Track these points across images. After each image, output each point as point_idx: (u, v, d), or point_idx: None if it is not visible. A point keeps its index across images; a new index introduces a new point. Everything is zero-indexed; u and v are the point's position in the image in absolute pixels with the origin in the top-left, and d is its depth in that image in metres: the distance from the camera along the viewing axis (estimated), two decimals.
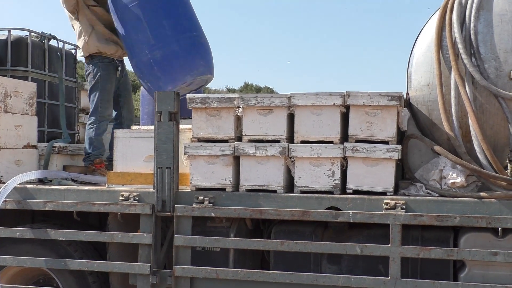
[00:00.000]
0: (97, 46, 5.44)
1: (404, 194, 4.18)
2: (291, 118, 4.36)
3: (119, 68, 5.56)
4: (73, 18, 5.48)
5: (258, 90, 39.91)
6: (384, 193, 4.13)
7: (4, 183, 4.80)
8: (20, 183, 4.75)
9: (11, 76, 5.48)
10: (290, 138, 4.36)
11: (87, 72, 5.57)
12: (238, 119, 4.45)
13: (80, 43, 5.52)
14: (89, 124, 5.51)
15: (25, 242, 4.74)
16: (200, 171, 4.44)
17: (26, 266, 4.75)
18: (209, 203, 4.34)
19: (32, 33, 5.79)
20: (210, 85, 7.39)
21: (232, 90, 37.76)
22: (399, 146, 4.15)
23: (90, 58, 5.52)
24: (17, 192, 4.73)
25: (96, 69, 5.49)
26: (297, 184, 4.30)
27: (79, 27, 5.45)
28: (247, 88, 40.59)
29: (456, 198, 4.00)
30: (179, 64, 5.08)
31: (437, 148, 4.25)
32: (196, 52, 5.20)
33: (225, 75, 79.79)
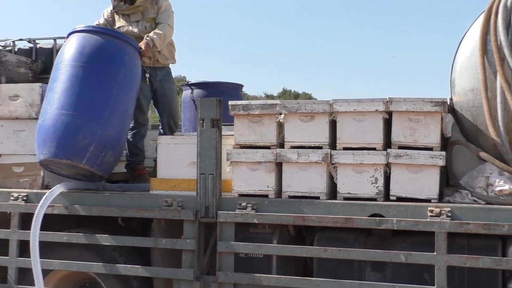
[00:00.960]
0: None
1: (449, 202, 4.13)
2: (333, 125, 4.35)
3: (147, 75, 5.62)
4: None
5: (296, 96, 39.92)
6: (428, 200, 4.09)
7: (51, 188, 4.89)
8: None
9: None
10: (332, 145, 4.35)
11: None
12: (280, 126, 4.46)
13: None
14: (128, 131, 5.59)
15: (71, 247, 4.82)
16: (242, 177, 4.46)
17: (73, 270, 4.83)
18: (252, 209, 4.36)
19: None
20: (248, 92, 7.45)
21: (271, 97, 37.87)
22: (443, 153, 4.10)
23: None
24: (64, 198, 4.82)
25: None
26: (339, 190, 4.28)
27: None
28: (285, 94, 40.61)
29: (503, 206, 3.92)
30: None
31: (483, 154, 4.18)
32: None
33: (263, 81, 79.98)
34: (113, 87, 4.83)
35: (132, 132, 5.56)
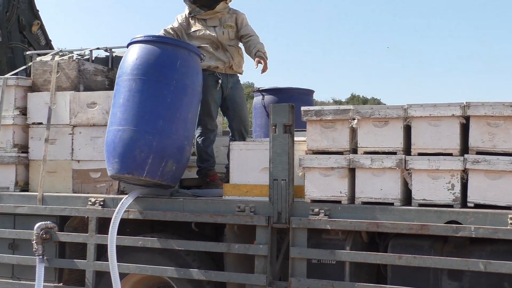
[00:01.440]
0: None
1: None
2: (407, 130, 4.28)
3: (220, 81, 5.66)
4: None
5: (364, 101, 39.53)
6: (508, 208, 3.96)
7: (127, 194, 5.01)
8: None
9: None
10: (407, 150, 4.28)
11: None
12: (353, 131, 4.43)
13: None
14: (197, 136, 5.67)
15: (145, 251, 4.92)
16: (315, 183, 4.44)
17: (148, 274, 4.92)
18: (325, 215, 4.34)
19: None
20: (316, 98, 7.41)
21: (339, 102, 37.63)
22: None
23: None
24: (138, 203, 4.93)
25: None
26: (414, 197, 4.21)
27: None
28: (354, 99, 40.26)
29: None
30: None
31: None
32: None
33: (331, 87, 79.63)
34: (166, 96, 4.78)
35: (201, 138, 5.63)
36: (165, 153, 4.76)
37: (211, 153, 5.68)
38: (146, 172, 4.74)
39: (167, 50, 4.88)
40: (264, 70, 5.52)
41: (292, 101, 4.70)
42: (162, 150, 4.75)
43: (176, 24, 5.72)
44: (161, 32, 5.59)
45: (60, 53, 5.89)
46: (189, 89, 4.92)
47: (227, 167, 5.56)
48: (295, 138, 4.58)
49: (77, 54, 5.97)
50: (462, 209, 4.04)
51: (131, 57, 4.88)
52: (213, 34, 5.61)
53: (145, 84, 4.78)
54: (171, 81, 4.80)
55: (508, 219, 3.85)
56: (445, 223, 4.03)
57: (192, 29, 5.69)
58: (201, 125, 5.62)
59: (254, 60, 5.60)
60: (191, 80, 4.93)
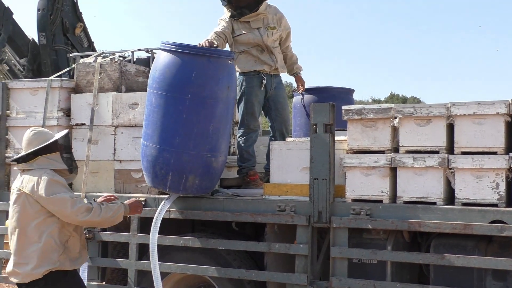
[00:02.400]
0: (242, 68, 5.64)
1: None
2: (450, 128, 4.23)
3: (264, 81, 5.67)
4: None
5: (404, 100, 39.11)
6: None
7: (167, 194, 5.06)
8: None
9: None
10: (450, 149, 4.23)
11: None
12: (394, 130, 4.39)
13: None
14: (239, 137, 5.68)
15: (186, 250, 4.96)
16: (356, 182, 4.42)
17: (189, 274, 4.96)
18: (366, 214, 4.31)
19: None
20: (355, 97, 7.34)
21: (377, 101, 37.29)
22: None
23: (238, 73, 5.68)
24: (180, 203, 4.97)
25: (241, 81, 5.65)
26: (457, 196, 4.15)
27: None
28: (393, 98, 39.86)
29: None
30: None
31: None
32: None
33: (370, 86, 79.00)
34: (181, 111, 4.62)
35: (244, 138, 5.64)
36: (185, 169, 4.69)
37: (252, 153, 5.69)
38: (168, 187, 4.79)
39: (183, 61, 4.65)
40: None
41: (332, 100, 4.69)
42: (181, 167, 4.68)
43: (222, 27, 5.62)
44: (211, 35, 5.48)
45: (103, 55, 5.98)
46: (209, 100, 4.66)
47: (266, 168, 5.57)
48: (336, 138, 4.56)
49: (119, 56, 6.05)
50: (507, 209, 3.98)
51: (154, 67, 4.79)
52: (259, 37, 5.61)
53: (162, 99, 4.66)
54: (186, 95, 4.61)
55: None
56: (489, 223, 3.97)
57: (237, 33, 5.64)
58: (244, 125, 5.63)
59: (294, 76, 6.04)
60: (210, 90, 4.67)
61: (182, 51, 4.66)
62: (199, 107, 4.64)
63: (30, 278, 3.94)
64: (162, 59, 4.72)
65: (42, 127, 5.54)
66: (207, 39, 5.26)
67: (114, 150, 5.44)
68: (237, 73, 5.59)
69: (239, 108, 5.68)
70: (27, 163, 4.08)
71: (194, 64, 4.63)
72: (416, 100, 38.37)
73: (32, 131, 4.17)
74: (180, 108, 4.62)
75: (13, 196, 4.06)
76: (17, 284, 4.08)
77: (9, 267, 4.04)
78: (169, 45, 4.70)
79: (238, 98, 5.67)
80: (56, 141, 4.15)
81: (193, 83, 4.61)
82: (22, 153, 4.13)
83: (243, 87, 5.63)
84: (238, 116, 6.70)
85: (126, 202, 4.32)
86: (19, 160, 4.12)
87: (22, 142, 4.18)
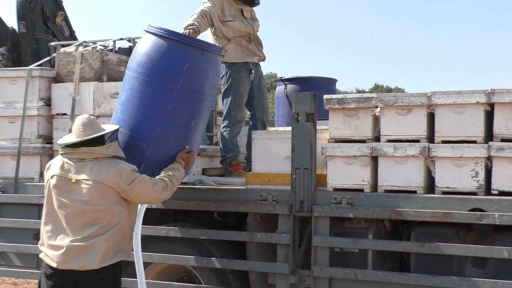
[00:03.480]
0: (232, 59, 5.58)
1: None
2: (431, 118, 4.25)
3: (253, 71, 5.66)
4: (211, 32, 5.62)
5: (388, 91, 39.24)
6: None
7: None
8: None
9: None
10: (430, 138, 4.25)
11: (221, 75, 5.63)
12: (376, 119, 4.40)
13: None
14: (223, 127, 5.66)
15: (169, 240, 4.95)
16: (337, 171, 4.43)
17: (171, 264, 4.95)
18: (347, 203, 4.33)
19: None
20: (339, 87, 7.37)
21: (362, 92, 37.36)
22: None
23: (224, 62, 5.59)
24: None
25: (229, 72, 5.61)
26: (438, 184, 4.18)
27: (214, 41, 5.56)
28: (377, 89, 40.02)
29: None
30: None
31: None
32: None
33: (354, 77, 79.22)
34: (167, 101, 4.34)
35: (229, 128, 5.62)
36: (159, 162, 4.37)
37: (236, 144, 5.69)
38: None
39: (176, 50, 4.37)
40: None
41: (315, 90, 4.70)
42: (156, 160, 4.38)
43: (208, 7, 5.40)
44: (194, 15, 5.27)
45: (84, 44, 5.93)
46: (196, 94, 4.43)
47: (247, 158, 5.57)
48: (318, 127, 4.57)
49: (101, 45, 6.01)
50: (486, 197, 4.01)
51: (140, 50, 4.44)
52: (250, 28, 5.58)
53: (147, 86, 4.36)
54: (175, 86, 4.33)
55: None
56: (469, 211, 4.00)
57: (228, 18, 5.53)
58: (230, 116, 5.62)
59: None
60: (200, 84, 4.44)
61: (176, 39, 4.40)
62: (186, 100, 4.39)
63: (100, 264, 3.81)
64: (152, 43, 4.40)
65: (22, 117, 5.51)
66: (190, 26, 5.13)
67: None
68: (223, 63, 5.54)
69: (226, 99, 5.66)
70: (97, 147, 3.90)
71: (188, 55, 4.37)
72: (400, 91, 38.49)
73: (88, 116, 4.05)
74: (166, 98, 4.34)
75: (82, 186, 3.84)
76: (76, 273, 3.81)
77: (72, 253, 3.79)
78: (162, 31, 4.39)
79: (225, 89, 5.66)
80: (118, 129, 4.14)
81: (185, 75, 4.35)
82: (89, 136, 3.90)
83: (231, 78, 5.60)
84: (220, 107, 6.72)
85: (178, 157, 4.33)
86: (92, 142, 3.89)
87: (73, 128, 3.99)
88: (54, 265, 3.81)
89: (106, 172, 3.86)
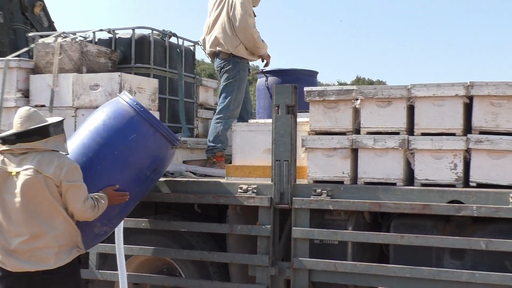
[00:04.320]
0: (243, 53, 5.72)
1: None
2: (410, 110, 4.27)
3: (250, 70, 5.77)
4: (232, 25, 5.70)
5: (370, 83, 39.46)
6: (510, 187, 3.97)
7: None
8: None
9: (135, 73, 5.69)
10: (410, 130, 4.28)
11: (225, 68, 5.73)
12: (356, 112, 4.42)
13: (228, 39, 5.69)
14: (217, 118, 5.68)
15: (149, 233, 4.93)
16: (317, 163, 4.44)
17: (151, 256, 4.94)
18: (327, 195, 4.34)
19: (154, 31, 6.00)
20: (321, 80, 7.42)
21: (344, 84, 37.53)
22: None
23: (231, 55, 5.71)
24: None
25: (237, 67, 5.72)
26: (417, 177, 4.21)
27: (232, 34, 5.67)
28: (359, 82, 40.22)
29: None
30: None
31: None
32: None
33: (336, 69, 79.39)
34: (98, 161, 4.11)
35: (224, 121, 5.68)
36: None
37: (227, 137, 5.73)
38: None
39: (131, 120, 4.21)
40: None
41: (296, 83, 4.68)
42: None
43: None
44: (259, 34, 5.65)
45: (63, 35, 5.86)
46: (130, 168, 4.19)
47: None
48: (298, 119, 4.57)
49: (80, 36, 5.95)
50: (464, 189, 4.05)
51: (104, 111, 4.31)
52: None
53: (89, 139, 4.17)
54: (113, 151, 4.14)
55: (510, 198, 3.86)
56: (447, 203, 4.03)
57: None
58: (228, 110, 5.68)
59: None
60: (137, 159, 4.19)
61: (138, 111, 4.22)
62: (119, 167, 4.15)
63: (56, 264, 3.65)
64: (113, 107, 4.30)
65: (0, 108, 5.44)
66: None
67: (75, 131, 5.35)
68: (231, 55, 5.69)
69: (227, 93, 5.70)
70: (35, 142, 3.68)
71: (138, 128, 4.20)
72: (382, 84, 38.69)
73: (29, 108, 3.83)
74: (100, 157, 4.12)
75: (20, 178, 3.64)
76: (29, 274, 3.63)
77: (23, 254, 3.62)
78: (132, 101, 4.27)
79: (228, 82, 5.72)
80: (63, 120, 3.88)
81: (126, 144, 4.15)
82: (26, 129, 3.68)
83: (238, 73, 5.71)
84: (202, 99, 6.71)
85: (105, 191, 3.99)
86: (30, 135, 3.67)
87: (13, 121, 3.77)
88: (6, 268, 3.65)
89: (47, 164, 3.65)
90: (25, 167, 3.66)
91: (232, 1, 5.67)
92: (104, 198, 3.94)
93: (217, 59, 5.84)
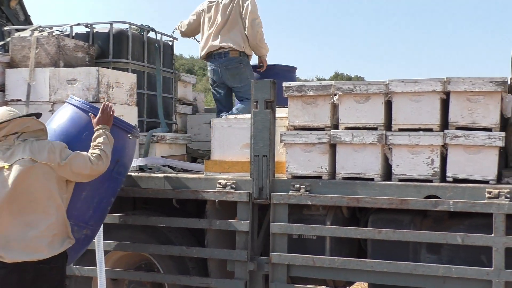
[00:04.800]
0: (251, 52, 6.18)
1: (508, 183, 4.05)
2: (388, 106, 4.30)
3: None
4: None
5: (348, 79, 39.62)
6: (486, 182, 4.01)
7: None
8: None
9: (113, 68, 5.66)
10: (388, 126, 4.30)
11: (239, 67, 6.06)
12: (334, 107, 4.43)
13: (242, 38, 6.04)
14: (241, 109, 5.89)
15: (127, 228, 4.91)
16: (296, 159, 4.45)
17: (129, 251, 4.92)
18: (306, 191, 4.35)
19: (132, 26, 5.97)
20: (300, 76, 7.49)
21: (322, 80, 37.68)
22: (502, 133, 4.01)
23: (243, 54, 6.08)
24: None
25: (249, 66, 6.17)
26: (394, 172, 4.23)
27: (241, 34, 6.05)
28: (338, 78, 40.35)
29: None
30: None
31: None
32: None
33: (315, 65, 79.62)
34: None
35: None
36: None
37: None
38: None
39: (80, 119, 4.23)
40: None
41: (275, 78, 4.70)
42: None
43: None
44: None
45: (39, 29, 5.80)
46: None
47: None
48: (277, 114, 4.57)
49: (57, 30, 5.89)
50: (441, 184, 4.08)
51: (54, 118, 4.35)
52: None
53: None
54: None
55: (486, 193, 3.89)
56: (424, 198, 4.06)
57: None
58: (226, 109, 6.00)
59: None
60: None
61: (84, 109, 4.24)
62: None
63: (49, 253, 3.69)
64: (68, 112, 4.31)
65: None
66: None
67: None
68: (243, 53, 6.08)
69: (244, 85, 5.99)
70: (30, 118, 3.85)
71: (87, 125, 4.17)
72: (360, 80, 38.87)
73: (7, 108, 3.94)
74: None
75: (14, 169, 3.65)
76: (23, 264, 3.64)
77: (18, 244, 3.64)
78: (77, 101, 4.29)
79: (242, 77, 6.05)
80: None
81: (81, 143, 4.09)
82: (21, 115, 3.86)
83: (248, 68, 6.13)
84: (180, 94, 6.70)
85: (97, 119, 4.05)
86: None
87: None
88: (4, 260, 3.65)
89: (39, 151, 3.72)
90: (18, 157, 3.69)
91: (243, 1, 6.02)
92: (100, 136, 3.98)
93: (224, 57, 6.04)
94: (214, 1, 6.14)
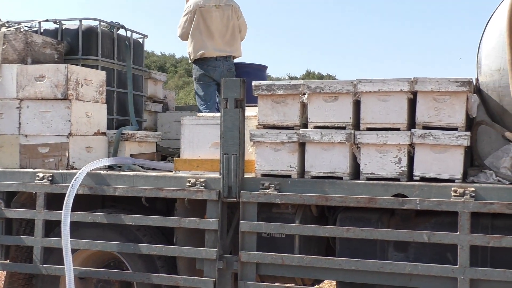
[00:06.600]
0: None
1: (473, 182, 4.11)
2: (357, 105, 4.33)
3: None
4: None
5: (320, 78, 39.84)
6: (452, 181, 4.06)
7: (76, 169, 4.95)
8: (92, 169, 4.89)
9: (82, 65, 5.62)
10: (356, 125, 4.33)
11: (231, 70, 6.64)
12: (304, 106, 4.45)
13: (238, 44, 6.71)
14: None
15: (96, 227, 4.88)
16: (265, 157, 4.46)
17: (98, 250, 4.89)
18: (275, 189, 4.37)
19: (102, 23, 5.92)
20: (272, 74, 7.62)
21: (294, 79, 37.77)
22: (468, 133, 4.07)
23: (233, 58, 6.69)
24: (89, 178, 4.87)
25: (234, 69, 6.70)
26: (363, 171, 4.27)
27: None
28: (309, 76, 40.57)
29: None
30: None
31: (508, 134, 4.15)
32: None
33: (287, 63, 79.84)
34: None
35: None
36: None
37: None
38: None
39: None
40: None
41: (246, 77, 4.71)
42: None
43: None
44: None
45: (7, 25, 5.73)
46: None
47: None
48: (247, 113, 4.58)
49: (25, 26, 5.82)
50: (408, 183, 4.13)
51: None
52: None
53: None
54: None
55: (452, 192, 3.95)
56: (392, 196, 4.11)
57: None
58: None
59: None
60: None
61: None
62: None
63: None
64: None
65: None
66: None
67: (19, 124, 5.24)
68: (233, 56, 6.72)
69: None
70: None
71: None
72: (331, 78, 39.06)
73: None
74: None
75: None
76: None
77: None
78: None
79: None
80: None
81: None
82: None
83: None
84: (150, 92, 6.67)
85: None
86: None
87: None
88: None
89: None
90: None
91: (236, 9, 6.62)
92: None
93: (228, 61, 6.61)
94: (208, 5, 6.48)
